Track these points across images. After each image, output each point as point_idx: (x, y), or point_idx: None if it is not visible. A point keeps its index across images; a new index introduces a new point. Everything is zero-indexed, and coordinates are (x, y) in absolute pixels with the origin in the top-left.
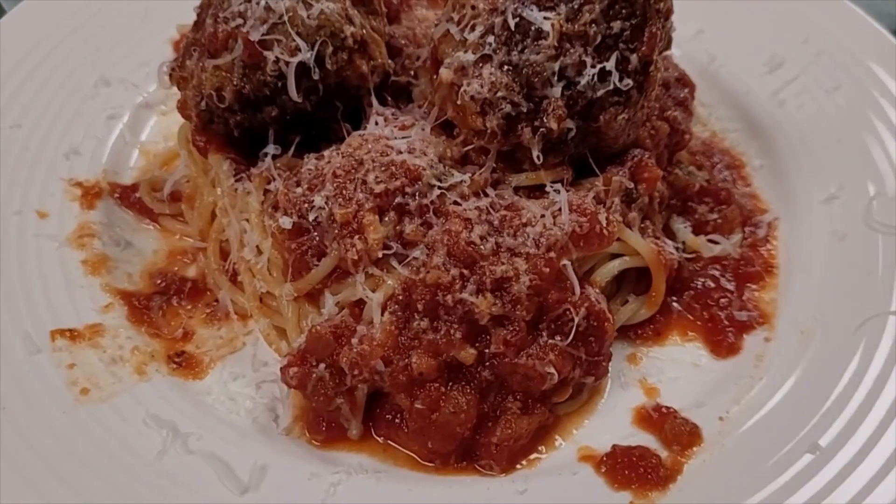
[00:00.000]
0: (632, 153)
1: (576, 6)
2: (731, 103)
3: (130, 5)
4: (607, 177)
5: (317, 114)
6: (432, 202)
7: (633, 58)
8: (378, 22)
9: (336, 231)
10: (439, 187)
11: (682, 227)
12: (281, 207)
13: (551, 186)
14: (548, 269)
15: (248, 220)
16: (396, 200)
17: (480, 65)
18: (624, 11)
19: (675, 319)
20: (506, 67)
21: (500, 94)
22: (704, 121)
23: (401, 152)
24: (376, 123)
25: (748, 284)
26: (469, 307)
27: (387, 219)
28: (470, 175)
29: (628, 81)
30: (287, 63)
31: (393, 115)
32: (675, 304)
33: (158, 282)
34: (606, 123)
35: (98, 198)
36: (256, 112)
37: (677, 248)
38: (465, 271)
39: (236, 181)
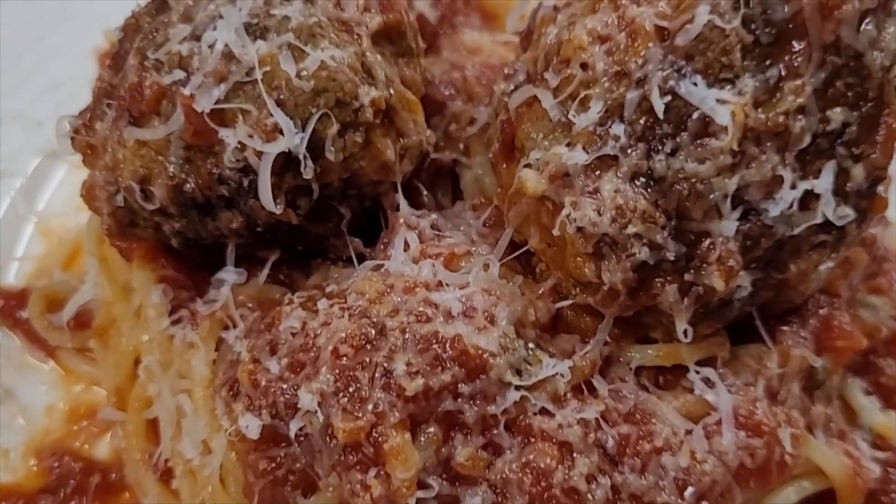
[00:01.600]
0: (814, 306)
1: (772, 79)
2: None
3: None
4: (784, 350)
5: (308, 228)
6: (505, 411)
7: (857, 171)
8: (413, 68)
9: (337, 455)
10: (518, 386)
11: (864, 399)
12: (243, 393)
13: (697, 372)
14: None
15: (189, 394)
16: (443, 406)
17: (598, 173)
18: (850, 94)
19: None
20: (642, 181)
21: (631, 228)
22: None
23: (451, 317)
24: (406, 248)
25: None
26: None
27: (424, 437)
28: (570, 361)
29: (846, 211)
30: (259, 153)
31: (432, 226)
32: None
33: (53, 466)
34: (799, 276)
35: None
36: (207, 218)
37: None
38: None
39: (173, 323)
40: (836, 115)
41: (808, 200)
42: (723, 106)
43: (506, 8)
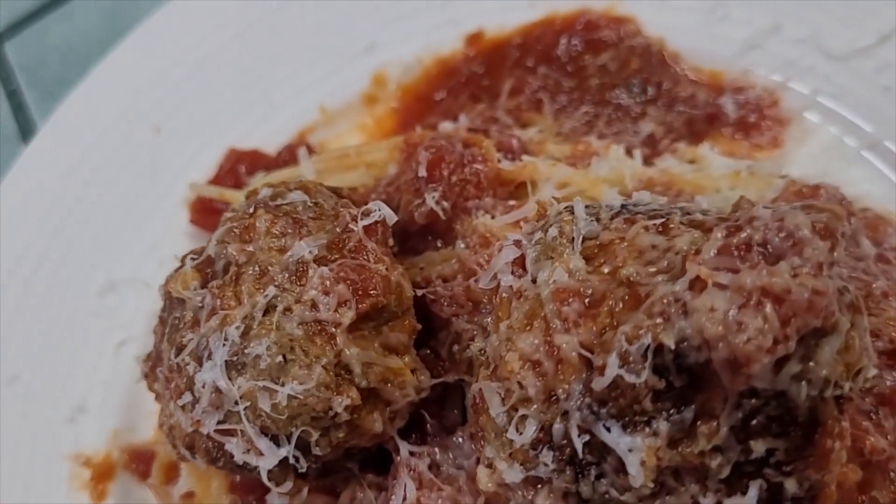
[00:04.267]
0: None
1: (684, 423)
2: None
3: (128, 166)
4: None
5: (325, 478)
6: None
7: (790, 484)
8: (400, 332)
9: None
10: None
11: None
12: None
13: None
14: None
15: None
16: None
17: (534, 490)
18: (774, 426)
19: None
20: (572, 500)
21: None
22: None
23: None
24: (404, 496)
25: None
26: None
27: None
28: None
29: None
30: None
31: (431, 465)
32: None
33: None
34: None
35: (110, 479)
36: (243, 471)
37: None
38: None
39: None
40: (759, 445)
41: None
42: (632, 454)
43: (521, 174)
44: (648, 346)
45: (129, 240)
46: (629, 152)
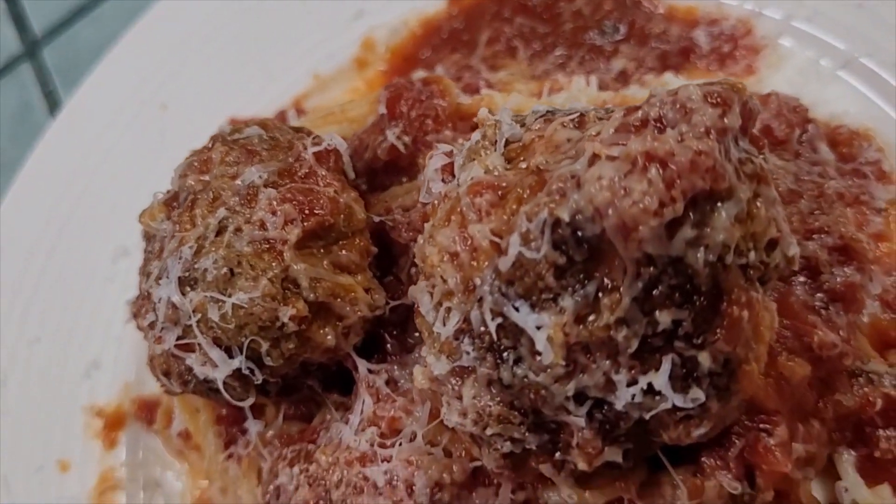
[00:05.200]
0: (741, 429)
1: (588, 297)
2: None
3: (140, 141)
4: (695, 482)
5: (288, 393)
6: None
7: (703, 358)
8: (350, 248)
9: None
10: None
11: (852, 473)
12: None
13: None
14: None
15: None
16: None
17: (460, 379)
18: (677, 295)
19: None
20: (497, 387)
21: (489, 430)
22: None
23: (377, 489)
24: (362, 410)
25: None
26: None
27: None
28: None
29: (698, 394)
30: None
31: (388, 381)
32: None
33: None
34: (675, 440)
35: (121, 428)
36: (217, 395)
37: None
38: None
39: (227, 457)
40: (664, 316)
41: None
42: (540, 331)
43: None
44: (545, 221)
45: (141, 208)
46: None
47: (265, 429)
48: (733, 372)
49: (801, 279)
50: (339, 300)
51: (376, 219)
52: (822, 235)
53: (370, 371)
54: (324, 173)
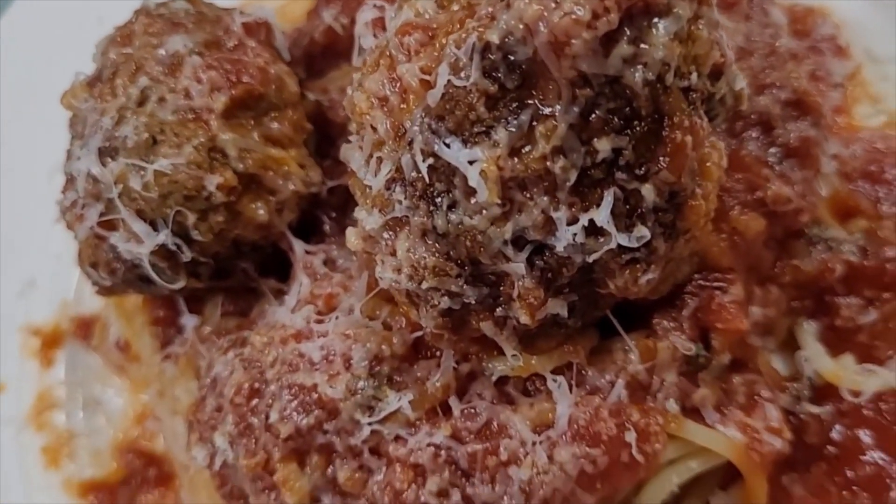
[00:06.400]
0: (694, 288)
1: (522, 127)
2: None
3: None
4: (647, 345)
5: (222, 277)
6: (365, 440)
7: (647, 191)
8: (283, 120)
9: (249, 483)
10: (370, 423)
11: (813, 343)
12: (195, 429)
13: (554, 380)
14: None
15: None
16: (318, 440)
17: (394, 233)
18: (616, 120)
19: None
20: (432, 237)
21: (425, 284)
22: (874, 95)
23: (313, 364)
24: (299, 291)
25: None
26: None
27: (311, 464)
28: (416, 391)
29: (643, 232)
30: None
31: (326, 261)
32: (796, 487)
33: (127, 461)
34: (622, 289)
35: (58, 346)
36: (150, 286)
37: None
38: None
39: (165, 358)
40: (603, 144)
41: (599, 228)
42: (473, 166)
43: None
44: (474, 46)
45: None
46: None
47: (202, 325)
48: (679, 207)
49: (754, 134)
50: (270, 173)
51: (312, 97)
52: (775, 90)
53: (307, 252)
54: (253, 45)
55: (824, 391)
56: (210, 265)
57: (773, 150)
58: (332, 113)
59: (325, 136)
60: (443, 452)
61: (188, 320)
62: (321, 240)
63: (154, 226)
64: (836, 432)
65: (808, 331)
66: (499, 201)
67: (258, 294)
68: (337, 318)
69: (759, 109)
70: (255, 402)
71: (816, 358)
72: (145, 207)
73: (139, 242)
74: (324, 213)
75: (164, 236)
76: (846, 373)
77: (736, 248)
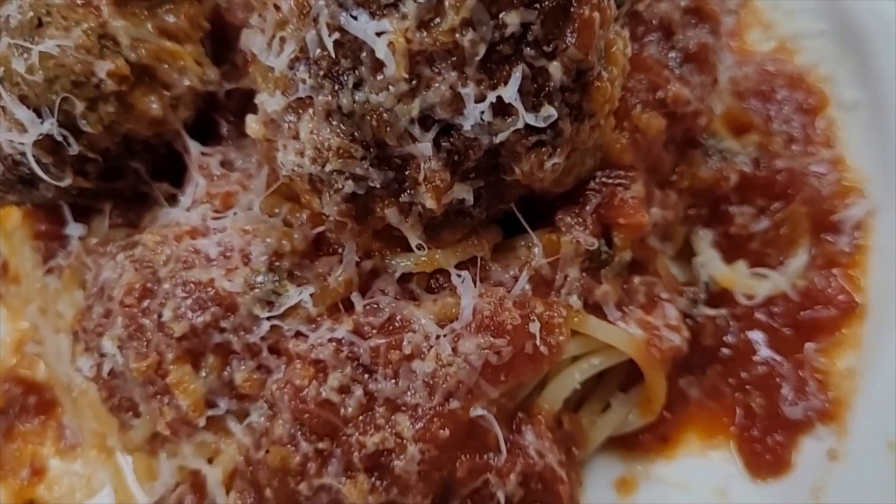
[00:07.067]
0: (597, 185)
1: (431, 1)
2: None
3: None
4: (551, 239)
5: (111, 178)
6: (264, 338)
7: (555, 69)
8: (178, 13)
9: (140, 388)
10: (269, 318)
11: (708, 249)
12: (80, 340)
13: (459, 275)
14: (447, 431)
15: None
16: (213, 339)
17: (296, 116)
18: None
19: (692, 412)
20: (336, 118)
21: (329, 166)
22: (766, 22)
23: (210, 261)
24: (196, 187)
25: (812, 342)
26: (336, 496)
27: (206, 366)
28: (317, 286)
29: (550, 111)
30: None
31: (223, 162)
32: (692, 390)
33: (5, 390)
34: (528, 176)
35: None
36: (32, 189)
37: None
38: (323, 444)
39: (48, 272)
40: (512, 17)
41: (506, 107)
42: (381, 38)
43: None
44: None
45: None
46: None
47: (88, 237)
48: (586, 87)
49: (655, 39)
50: (165, 66)
51: None
52: None
53: (203, 154)
54: None
55: (719, 296)
56: (99, 163)
57: (672, 54)
58: (231, 14)
59: (223, 40)
60: (345, 348)
61: (73, 230)
62: (218, 143)
63: (39, 114)
64: (731, 335)
65: (704, 238)
66: (406, 76)
67: (150, 203)
68: (235, 214)
69: (659, 14)
70: (146, 302)
71: (711, 263)
72: (29, 93)
73: (22, 131)
74: (221, 116)
75: (50, 125)
76: (740, 277)
77: (637, 147)
